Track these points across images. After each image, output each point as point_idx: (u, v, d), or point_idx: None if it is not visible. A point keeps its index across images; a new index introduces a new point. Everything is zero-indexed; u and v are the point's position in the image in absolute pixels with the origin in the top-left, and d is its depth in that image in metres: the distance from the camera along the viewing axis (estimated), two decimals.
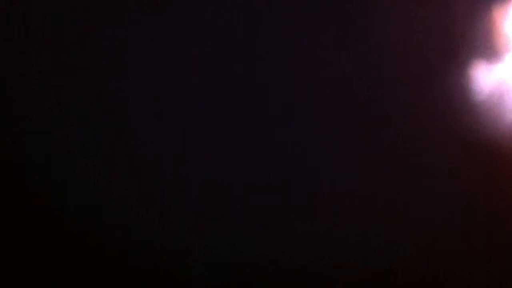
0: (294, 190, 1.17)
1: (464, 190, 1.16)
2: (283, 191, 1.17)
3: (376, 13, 1.17)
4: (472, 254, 1.15)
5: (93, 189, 1.18)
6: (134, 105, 1.19)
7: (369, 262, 1.16)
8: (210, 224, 1.17)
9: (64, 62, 1.19)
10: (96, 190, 1.18)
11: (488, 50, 1.17)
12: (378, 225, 1.15)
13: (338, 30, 1.17)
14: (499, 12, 1.16)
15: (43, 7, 1.19)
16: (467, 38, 1.17)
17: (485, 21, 1.16)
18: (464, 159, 1.16)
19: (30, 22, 1.19)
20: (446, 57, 1.17)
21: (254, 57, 1.17)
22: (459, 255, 1.16)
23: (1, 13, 1.19)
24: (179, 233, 1.17)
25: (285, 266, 1.16)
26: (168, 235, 1.17)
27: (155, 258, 1.17)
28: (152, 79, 1.19)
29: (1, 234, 1.17)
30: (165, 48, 1.19)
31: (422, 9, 1.17)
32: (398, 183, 1.16)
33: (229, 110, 1.18)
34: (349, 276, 1.16)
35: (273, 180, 1.17)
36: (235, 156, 1.17)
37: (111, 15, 1.19)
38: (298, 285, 1.16)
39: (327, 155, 1.17)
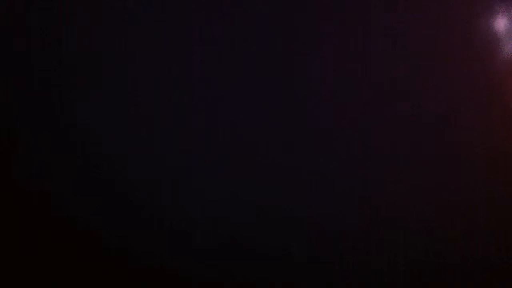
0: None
1: None
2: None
3: None
4: None
5: (94, 189, 1.18)
6: (134, 104, 1.19)
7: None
8: (212, 224, 1.18)
9: (65, 61, 1.19)
10: (97, 190, 1.18)
11: None
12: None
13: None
14: None
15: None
16: None
17: None
18: None
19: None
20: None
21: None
22: None
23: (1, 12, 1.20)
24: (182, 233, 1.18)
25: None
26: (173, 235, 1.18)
27: (158, 258, 1.17)
28: (153, 78, 1.20)
29: (1, 234, 1.17)
30: (166, 46, 1.19)
31: None
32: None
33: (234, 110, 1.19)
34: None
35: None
36: (242, 155, 1.18)
37: (111, 14, 1.19)
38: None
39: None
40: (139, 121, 1.19)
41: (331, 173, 1.18)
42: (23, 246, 1.18)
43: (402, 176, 1.17)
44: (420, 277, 1.17)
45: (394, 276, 1.17)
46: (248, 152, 1.18)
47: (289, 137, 1.18)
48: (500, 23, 1.18)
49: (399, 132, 1.17)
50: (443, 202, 1.17)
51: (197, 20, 1.19)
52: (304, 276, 1.17)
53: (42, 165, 1.19)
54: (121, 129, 1.19)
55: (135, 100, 1.19)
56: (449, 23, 1.17)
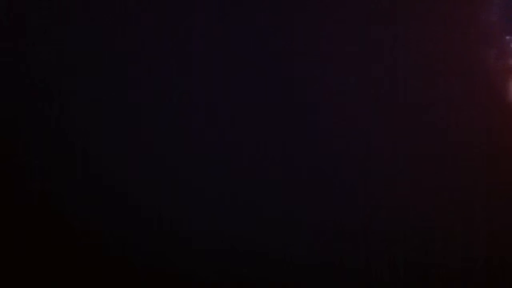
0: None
1: None
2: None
3: None
4: None
5: (93, 189, 1.18)
6: (134, 104, 1.19)
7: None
8: (215, 225, 1.18)
9: (65, 60, 1.19)
10: (96, 190, 1.18)
11: None
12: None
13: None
14: None
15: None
16: None
17: None
18: None
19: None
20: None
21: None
22: None
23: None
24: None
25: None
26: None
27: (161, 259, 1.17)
28: (153, 78, 1.19)
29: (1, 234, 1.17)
30: (166, 46, 1.19)
31: None
32: None
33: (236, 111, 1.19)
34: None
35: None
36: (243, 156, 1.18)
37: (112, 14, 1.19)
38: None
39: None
40: (139, 121, 1.19)
41: (331, 173, 1.17)
42: (22, 246, 1.18)
43: (402, 176, 1.17)
44: (420, 277, 1.17)
45: (394, 276, 1.17)
46: (248, 152, 1.18)
47: (289, 137, 1.18)
48: (501, 22, 1.18)
49: (399, 132, 1.17)
50: (443, 202, 1.17)
51: (197, 20, 1.19)
52: (304, 276, 1.17)
53: (41, 165, 1.19)
54: (121, 129, 1.19)
55: (135, 100, 1.19)
56: (450, 23, 1.17)
